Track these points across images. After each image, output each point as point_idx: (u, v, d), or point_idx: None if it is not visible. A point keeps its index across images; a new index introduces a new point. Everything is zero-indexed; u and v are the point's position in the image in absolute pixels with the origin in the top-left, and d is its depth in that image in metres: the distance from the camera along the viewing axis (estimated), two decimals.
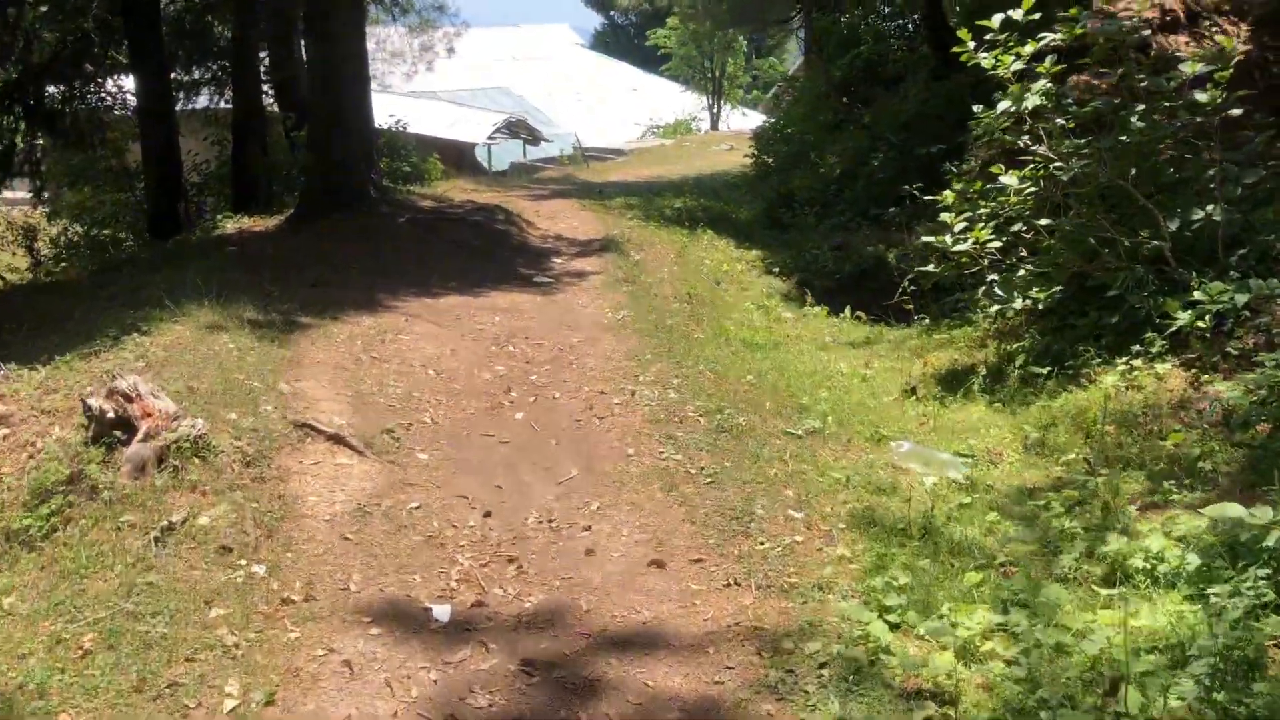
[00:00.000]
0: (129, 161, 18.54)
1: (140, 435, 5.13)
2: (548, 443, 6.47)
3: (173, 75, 18.08)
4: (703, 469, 5.98)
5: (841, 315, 11.93)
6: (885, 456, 6.64)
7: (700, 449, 6.28)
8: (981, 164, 14.45)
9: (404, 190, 16.06)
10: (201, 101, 19.65)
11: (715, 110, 39.12)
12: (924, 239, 9.04)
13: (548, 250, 12.23)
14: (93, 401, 5.22)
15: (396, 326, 8.52)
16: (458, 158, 34.72)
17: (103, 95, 16.89)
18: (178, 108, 18.97)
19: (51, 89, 16.23)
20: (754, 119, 40.98)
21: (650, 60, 43.86)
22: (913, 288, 11.11)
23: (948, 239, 8.74)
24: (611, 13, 57.62)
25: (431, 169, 19.19)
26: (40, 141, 16.43)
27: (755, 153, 25.48)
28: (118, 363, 6.70)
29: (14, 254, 16.48)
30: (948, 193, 9.16)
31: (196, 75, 18.94)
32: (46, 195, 18.10)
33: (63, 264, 16.54)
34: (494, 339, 8.51)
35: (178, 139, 15.60)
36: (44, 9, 15.50)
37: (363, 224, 11.64)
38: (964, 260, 8.82)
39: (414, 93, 33.50)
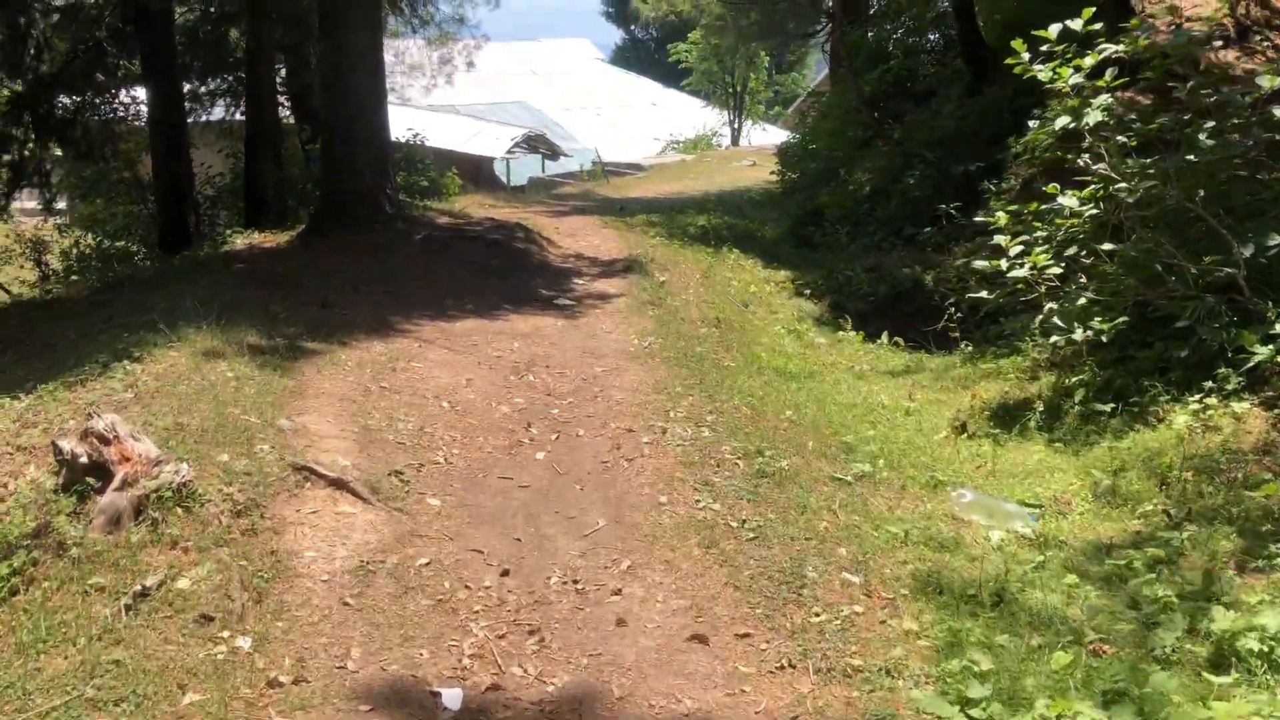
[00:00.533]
0: (141, 173, 18.06)
1: (116, 483, 4.53)
2: (571, 487, 5.84)
3: (186, 86, 17.64)
4: (744, 521, 5.35)
5: (878, 341, 11.32)
6: (944, 505, 6.00)
7: (740, 497, 5.65)
8: (1023, 182, 13.87)
9: (420, 205, 15.50)
10: (217, 113, 19.20)
11: (736, 125, 38.55)
12: (975, 263, 8.39)
13: (569, 270, 11.63)
14: (64, 444, 4.63)
15: (409, 353, 7.92)
16: (475, 172, 34.25)
17: (115, 106, 16.40)
18: (191, 119, 18.52)
19: (63, 99, 15.75)
20: (775, 134, 40.41)
21: (671, 75, 43.35)
22: (957, 313, 10.51)
23: (1003, 263, 8.10)
24: (632, 27, 57.21)
25: (449, 184, 18.65)
26: (50, 153, 15.92)
27: (780, 169, 24.95)
28: (103, 393, 6.12)
29: (21, 266, 15.99)
30: (1000, 214, 8.53)
31: (211, 86, 18.47)
32: (59, 207, 17.62)
33: (73, 277, 16.06)
34: (513, 367, 7.89)
35: (188, 150, 15.11)
36: (56, 17, 15.02)
37: (376, 240, 11.07)
38: (1019, 286, 8.18)
39: (432, 106, 33.05)
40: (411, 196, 17.59)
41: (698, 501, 5.60)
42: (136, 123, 16.59)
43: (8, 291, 14.68)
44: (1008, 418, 8.04)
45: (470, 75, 31.01)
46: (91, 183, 17.98)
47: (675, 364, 8.13)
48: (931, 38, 20.94)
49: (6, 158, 15.12)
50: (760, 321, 11.67)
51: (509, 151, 32.84)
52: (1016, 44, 8.28)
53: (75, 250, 17.75)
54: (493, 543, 5.19)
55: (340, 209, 11.55)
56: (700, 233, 16.70)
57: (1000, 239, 8.36)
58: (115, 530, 4.42)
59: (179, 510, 4.66)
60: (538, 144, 33.83)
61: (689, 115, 39.53)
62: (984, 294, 8.52)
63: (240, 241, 12.32)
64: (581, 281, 11.12)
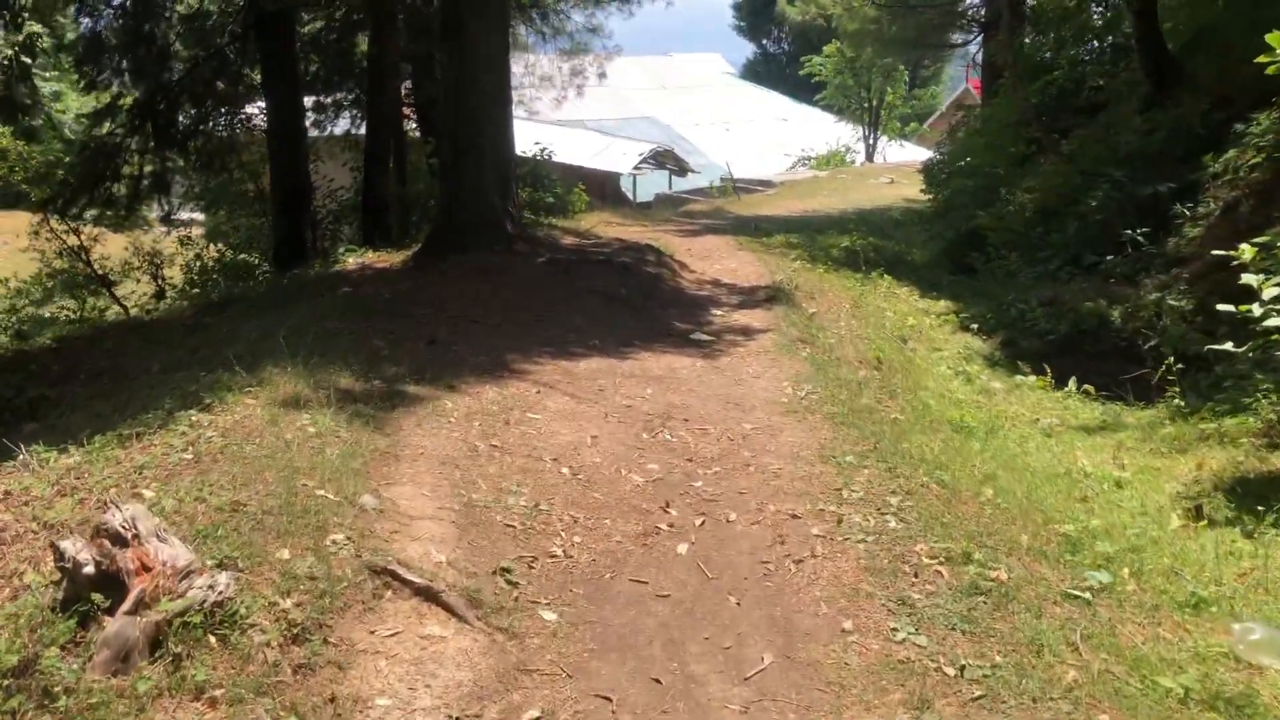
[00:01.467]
0: (265, 186, 17.46)
1: (129, 603, 3.34)
2: (724, 600, 4.46)
3: (311, 97, 16.94)
4: (963, 669, 3.88)
5: (1065, 389, 9.68)
6: (1217, 639, 4.43)
7: (951, 626, 4.18)
8: (1224, 207, 12.00)
9: (545, 223, 14.38)
10: (343, 125, 18.51)
11: (871, 141, 36.71)
12: (1221, 307, 6.72)
13: (705, 299, 10.28)
14: (68, 546, 3.47)
15: (526, 400, 6.66)
16: (602, 188, 33.26)
17: (237, 116, 15.75)
18: (317, 132, 17.84)
19: (185, 109, 15.15)
20: (912, 151, 38.43)
21: (803, 89, 41.73)
22: (1165, 358, 8.88)
23: (1255, 308, 6.44)
24: (764, 41, 55.73)
25: (576, 201, 17.53)
26: (173, 163, 15.33)
27: (927, 187, 23.17)
28: (160, 453, 5.00)
29: (138, 280, 15.41)
30: (1245, 247, 6.84)
31: (336, 97, 17.76)
32: (195, 217, 17.11)
33: (194, 290, 15.44)
34: (645, 421, 6.56)
35: (307, 163, 14.29)
36: (179, 24, 14.41)
37: (495, 264, 9.91)
38: (1275, 337, 6.51)
39: (560, 121, 32.20)
40: (536, 214, 16.53)
41: (894, 631, 4.15)
42: (260, 133, 15.90)
43: (125, 308, 14.05)
44: (1252, 497, 6.41)
45: (598, 90, 30.06)
46: (216, 194, 17.41)
47: (840, 422, 6.68)
48: (1096, 45, 19.03)
49: (127, 169, 14.55)
50: (923, 361, 10.15)
51: (636, 167, 31.75)
52: (1272, 38, 6.65)
53: (198, 263, 17.21)
54: (624, 683, 3.85)
55: (458, 229, 10.44)
56: (845, 256, 15.19)
57: (1249, 278, 6.68)
58: (122, 669, 3.23)
59: (211, 640, 3.45)
60: (665, 160, 32.66)
61: (821, 131, 37.85)
62: (1230, 346, 6.84)
63: (352, 261, 11.34)
64: (720, 313, 9.76)
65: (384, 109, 14.06)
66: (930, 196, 20.18)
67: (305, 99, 17.84)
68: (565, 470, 5.66)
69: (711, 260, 13.38)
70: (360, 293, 9.26)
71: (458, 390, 6.66)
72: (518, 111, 27.39)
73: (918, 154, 38.18)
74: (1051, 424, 8.73)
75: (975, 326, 11.43)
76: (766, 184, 31.04)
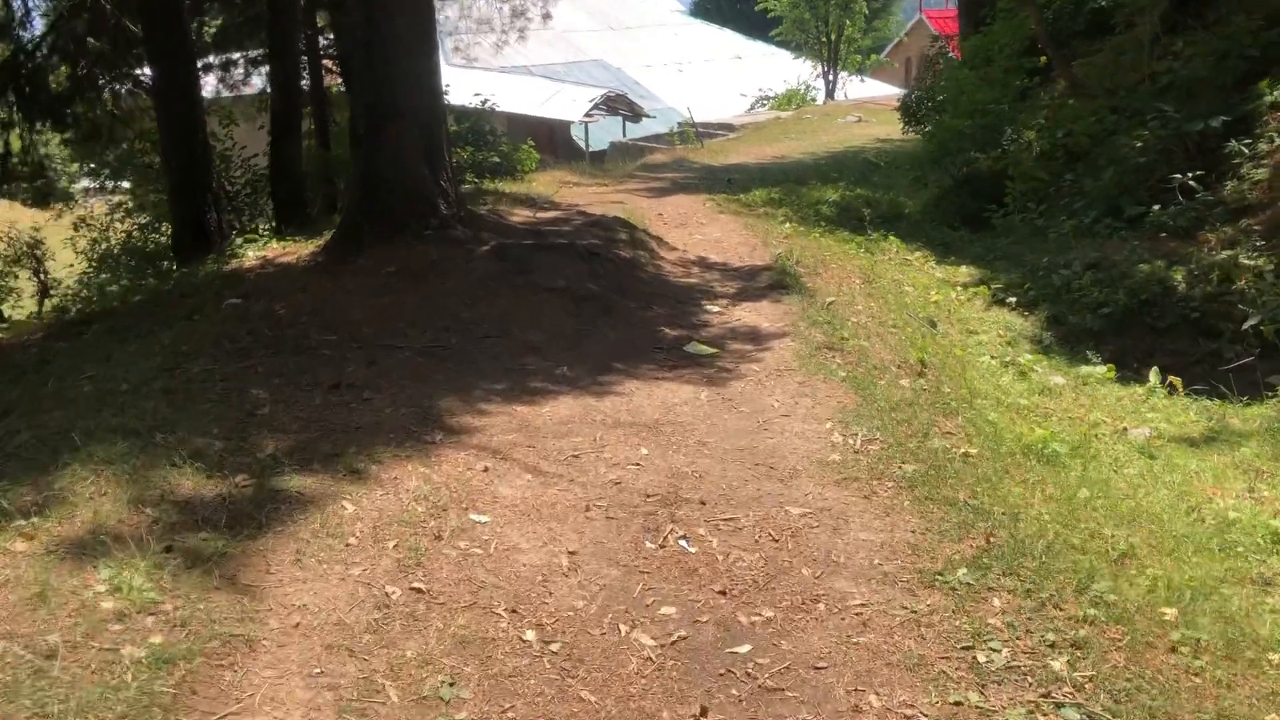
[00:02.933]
0: None
1: None
2: None
3: (222, 55, 14.36)
4: None
5: (1147, 384, 7.66)
6: None
7: None
8: None
9: (490, 190, 12.02)
10: (258, 83, 15.87)
11: (831, 78, 34.25)
12: None
13: (696, 289, 8.03)
14: None
15: (466, 488, 4.42)
16: (552, 137, 30.66)
17: (123, 78, 13.13)
18: (228, 92, 15.27)
19: (55, 74, 12.51)
20: (874, 86, 36.11)
21: (758, 25, 39.03)
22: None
23: None
24: None
25: (525, 159, 15.14)
26: (41, 135, 12.71)
27: (909, 126, 20.93)
28: None
29: (15, 277, 12.82)
30: None
31: (249, 54, 15.12)
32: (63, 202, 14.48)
33: (84, 294, 12.96)
34: (644, 513, 4.34)
35: (204, 131, 11.75)
36: None
37: (427, 257, 7.58)
38: None
39: (503, 68, 29.52)
40: (480, 177, 14.17)
41: None
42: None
43: (3, 322, 11.52)
44: None
45: (543, 33, 27.37)
46: (118, 167, 14.78)
47: (923, 495, 4.52)
48: None
49: None
50: (960, 348, 8.05)
51: (587, 115, 29.16)
52: None
53: (93, 252, 14.69)
54: None
55: (378, 211, 8.08)
56: (837, 213, 12.98)
57: None
58: None
59: None
60: (618, 105, 30.08)
61: (778, 69, 35.37)
62: None
63: (252, 255, 8.95)
64: (717, 308, 7.53)
65: (288, 63, 11.52)
66: (911, 135, 17.97)
67: (211, 57, 15.24)
68: (530, 636, 3.44)
69: (689, 229, 11.11)
70: (250, 307, 6.91)
71: (365, 478, 4.41)
72: (454, 59, 24.71)
73: (879, 89, 35.87)
74: (1146, 436, 6.67)
75: (1013, 300, 9.30)
76: (727, 127, 28.61)
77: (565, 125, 29.76)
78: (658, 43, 37.77)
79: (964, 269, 10.38)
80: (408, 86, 8.08)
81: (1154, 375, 7.63)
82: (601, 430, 5.15)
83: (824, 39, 34.04)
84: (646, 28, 38.50)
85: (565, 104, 29.50)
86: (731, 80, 34.70)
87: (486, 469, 4.61)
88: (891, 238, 11.23)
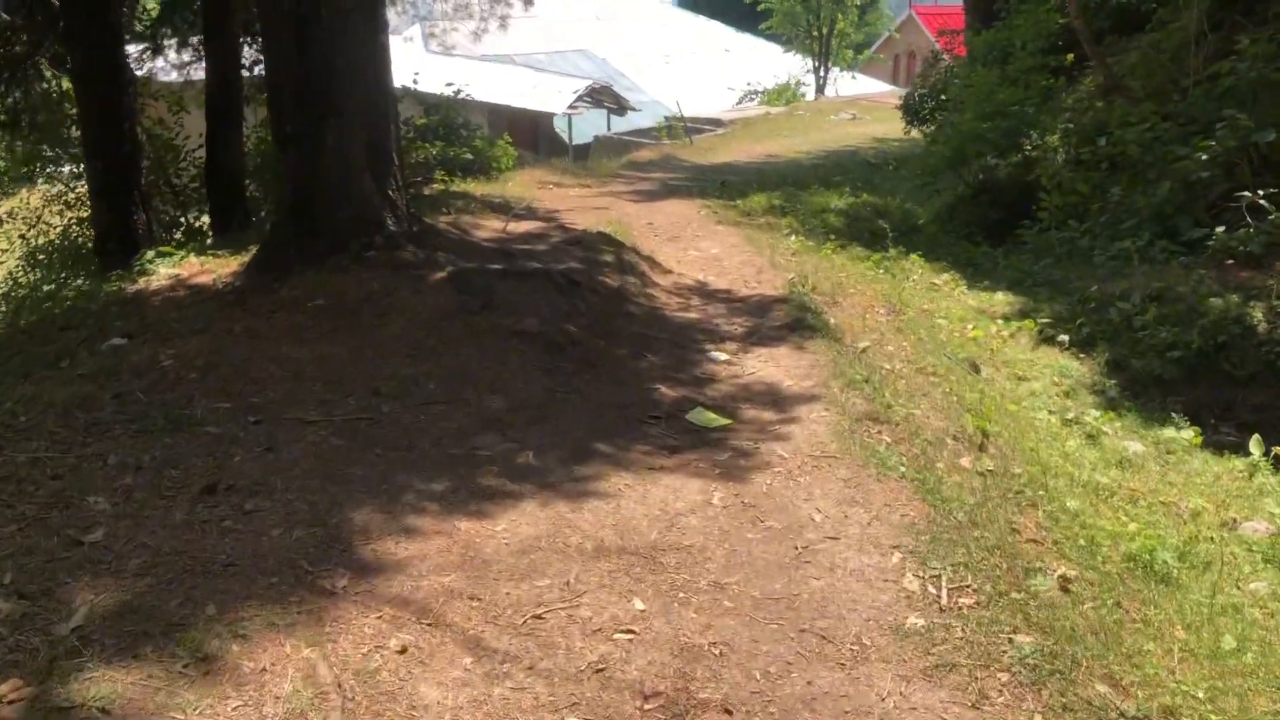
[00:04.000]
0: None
1: None
2: None
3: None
4: None
5: (1247, 456, 6.18)
6: None
7: None
8: None
9: (458, 198, 10.39)
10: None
11: (822, 73, 32.62)
12: None
13: (697, 329, 6.44)
14: None
15: (370, 693, 2.83)
16: (534, 129, 28.96)
17: (45, 58, 11.39)
18: (178, 76, 13.56)
19: None
20: (865, 83, 34.57)
21: (747, 18, 37.32)
22: None
23: None
24: None
25: (501, 156, 13.49)
26: None
27: (911, 126, 19.41)
28: None
29: None
30: None
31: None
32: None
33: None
34: None
35: (133, 120, 10.07)
36: None
37: (365, 287, 5.97)
38: None
39: (485, 56, 27.76)
40: (451, 175, 12.53)
41: None
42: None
43: None
44: None
45: (525, 22, 25.62)
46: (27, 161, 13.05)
47: (1053, 692, 2.99)
48: None
49: None
50: (1014, 403, 6.54)
51: (571, 106, 27.46)
52: None
53: (22, 244, 12.99)
54: None
55: (310, 228, 6.46)
56: (845, 224, 11.44)
57: None
58: None
59: None
60: (603, 97, 28.39)
61: (768, 63, 33.77)
62: None
63: (164, 272, 7.28)
64: (725, 355, 5.95)
65: (230, 43, 9.83)
66: (911, 135, 16.45)
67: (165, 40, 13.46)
68: None
69: (684, 243, 9.53)
70: (130, 354, 5.27)
71: (216, 674, 2.81)
72: (430, 45, 22.98)
73: (871, 85, 34.34)
74: (1265, 533, 5.20)
75: (1065, 339, 7.76)
76: (716, 123, 27.00)
77: (548, 117, 28.09)
78: (644, 33, 36.04)
79: (1000, 296, 8.84)
80: (350, 75, 6.44)
81: (1255, 445, 6.12)
82: (578, 565, 3.57)
83: (815, 33, 32.42)
84: (633, 18, 36.75)
85: (549, 95, 27.80)
86: (719, 74, 33.08)
87: (405, 649, 3.02)
88: (914, 257, 9.69)
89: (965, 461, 5.12)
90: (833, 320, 6.76)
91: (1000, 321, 8.16)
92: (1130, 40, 13.28)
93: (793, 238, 10.20)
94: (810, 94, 31.76)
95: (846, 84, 33.41)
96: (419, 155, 12.63)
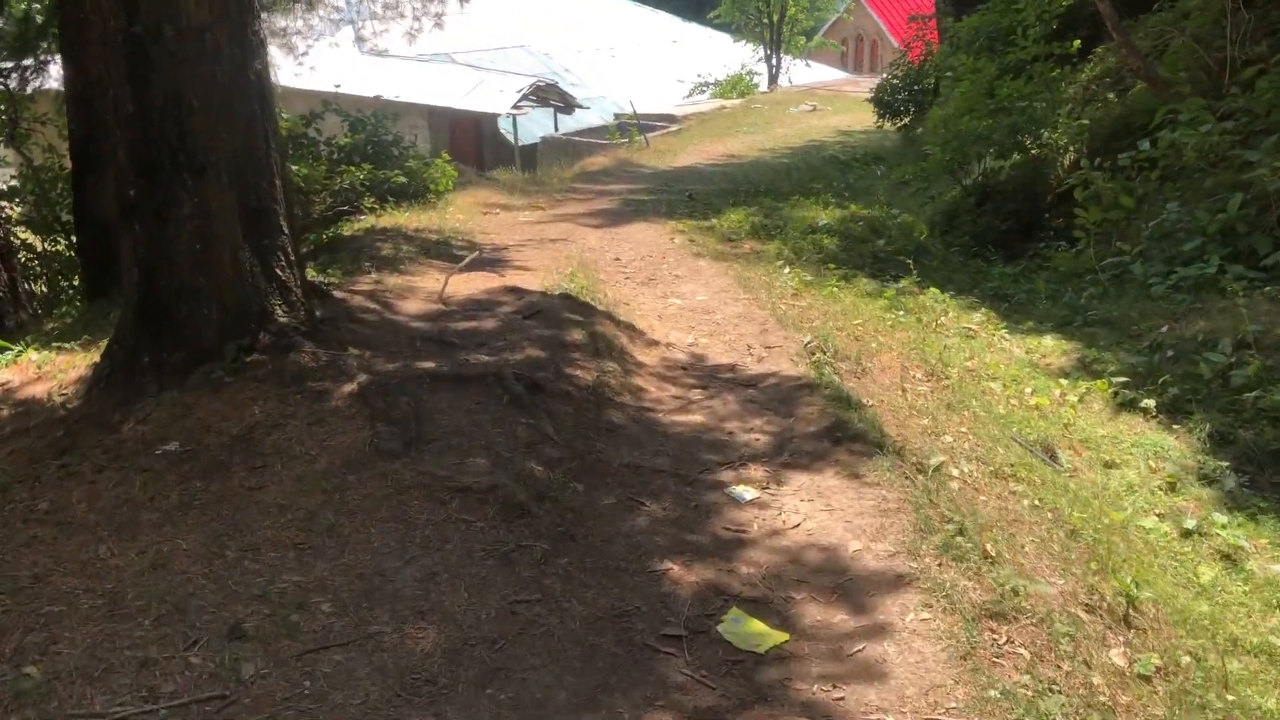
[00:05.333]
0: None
1: None
2: None
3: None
4: None
5: None
6: None
7: None
8: None
9: (386, 235, 8.50)
10: None
11: (775, 62, 30.85)
12: None
13: (706, 445, 4.62)
14: None
15: None
16: (477, 134, 26.89)
17: None
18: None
19: None
20: (820, 71, 32.91)
21: (692, 7, 35.46)
22: None
23: None
24: None
25: (439, 177, 11.57)
26: None
27: (884, 119, 17.78)
28: None
29: None
30: None
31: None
32: None
33: None
34: None
35: None
36: None
37: (241, 414, 4.13)
38: None
39: (421, 55, 25.63)
40: (382, 202, 10.66)
41: None
42: None
43: None
44: None
45: (464, 18, 23.55)
46: None
47: None
48: None
49: None
50: (1113, 508, 4.88)
51: (515, 106, 25.36)
52: None
53: None
54: None
55: (165, 329, 4.57)
56: (839, 245, 9.72)
57: None
58: None
59: None
60: (548, 95, 26.35)
61: (717, 52, 31.97)
62: None
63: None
64: (751, 492, 4.17)
65: (92, 63, 7.81)
66: (874, 128, 14.81)
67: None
68: None
69: (662, 286, 7.74)
70: None
71: None
72: (361, 48, 20.87)
73: (827, 73, 32.71)
74: None
75: (1149, 403, 6.09)
76: (669, 119, 25.15)
77: (492, 118, 26.00)
78: (587, 25, 33.99)
79: (1049, 342, 7.16)
80: (212, 116, 4.56)
81: None
82: None
83: (766, 20, 30.64)
84: (575, 9, 34.66)
85: (491, 95, 25.70)
86: (668, 66, 31.20)
87: None
88: (932, 290, 7.99)
89: (1118, 657, 3.45)
90: (881, 419, 5.00)
91: (1062, 381, 6.48)
92: (1134, 21, 11.69)
93: (787, 270, 8.47)
94: (764, 84, 30.02)
95: (800, 72, 31.71)
96: (343, 181, 10.70)
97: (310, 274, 6.40)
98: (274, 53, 14.91)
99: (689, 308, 7.17)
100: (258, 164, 4.73)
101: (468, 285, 6.71)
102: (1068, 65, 11.72)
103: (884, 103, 17.05)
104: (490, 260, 8.02)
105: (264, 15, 12.57)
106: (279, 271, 4.79)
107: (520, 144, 25.28)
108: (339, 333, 5.00)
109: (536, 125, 26.53)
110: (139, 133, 4.48)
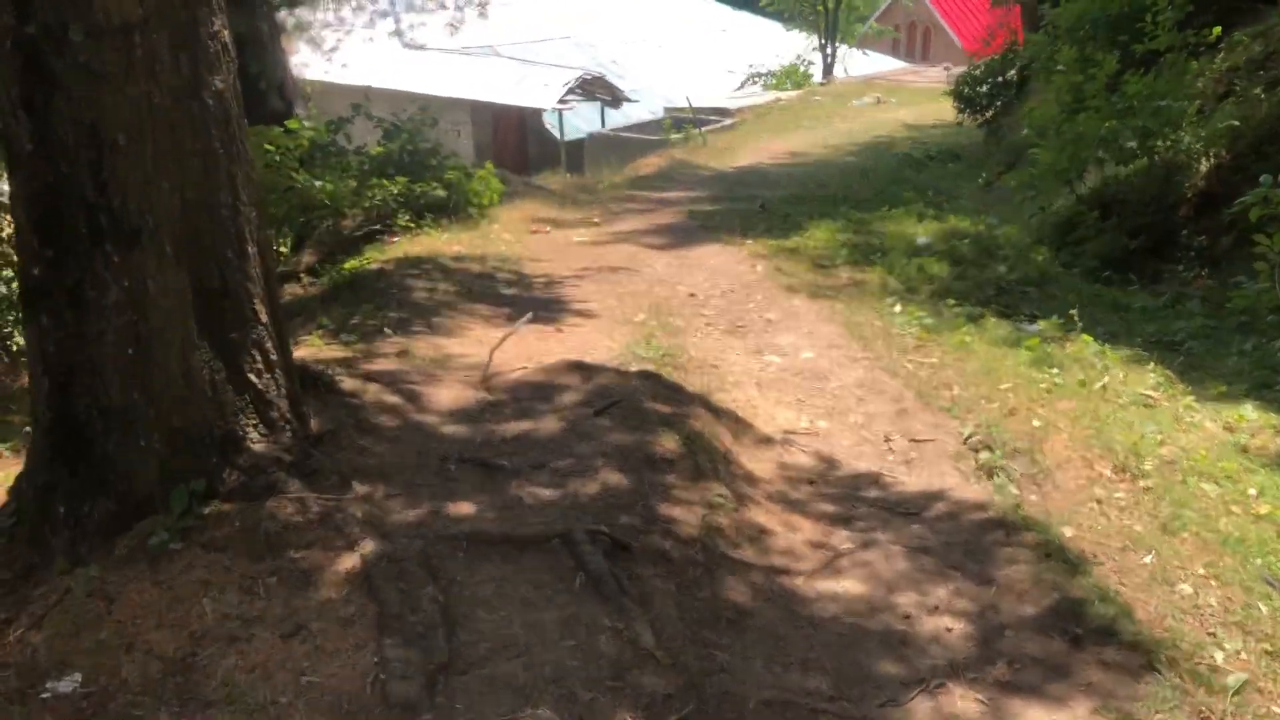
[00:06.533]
0: None
1: None
2: None
3: None
4: None
5: None
6: None
7: None
8: None
9: (421, 267, 6.98)
10: None
11: (830, 51, 28.95)
12: None
13: (875, 642, 3.05)
14: None
15: None
16: (521, 127, 25.38)
17: None
18: None
19: None
20: (878, 60, 30.98)
21: None
22: None
23: None
24: None
25: (484, 190, 10.03)
26: None
27: (966, 115, 16.01)
28: None
29: None
30: None
31: None
32: None
33: None
34: None
35: None
36: None
37: (184, 618, 2.64)
38: None
39: (466, 49, 24.16)
40: (419, 218, 9.17)
41: None
42: None
43: None
44: None
45: (505, 8, 21.98)
46: None
47: None
48: None
49: None
50: None
51: (562, 100, 23.77)
52: None
53: None
54: None
55: (85, 465, 3.07)
56: (952, 274, 8.04)
57: None
58: None
59: None
60: (595, 89, 24.71)
61: (769, 42, 30.12)
62: None
63: None
64: None
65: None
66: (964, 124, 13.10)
67: None
68: None
69: (754, 337, 6.15)
70: None
71: None
72: (396, 42, 19.40)
73: (885, 63, 30.78)
74: None
75: None
76: (722, 113, 23.45)
77: (537, 113, 24.46)
78: (633, 15, 32.26)
79: (1252, 413, 5.46)
80: (148, 162, 3.03)
81: None
82: None
83: (820, 7, 28.73)
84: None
85: (536, 89, 24.12)
86: (718, 57, 29.46)
87: None
88: (1084, 338, 6.30)
89: None
90: (1118, 588, 3.40)
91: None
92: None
93: (898, 308, 6.85)
94: (818, 74, 28.16)
95: (857, 62, 29.77)
96: (375, 196, 9.20)
97: (315, 343, 4.89)
98: (304, 50, 13.46)
99: (793, 369, 5.58)
100: (219, 225, 3.21)
101: (518, 350, 5.16)
102: (1201, 55, 9.92)
103: (965, 96, 15.24)
104: (544, 302, 6.47)
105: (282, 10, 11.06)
106: (253, 378, 3.27)
107: (566, 139, 23.75)
108: (343, 455, 3.48)
109: (583, 120, 24.96)
110: (40, 183, 2.97)
